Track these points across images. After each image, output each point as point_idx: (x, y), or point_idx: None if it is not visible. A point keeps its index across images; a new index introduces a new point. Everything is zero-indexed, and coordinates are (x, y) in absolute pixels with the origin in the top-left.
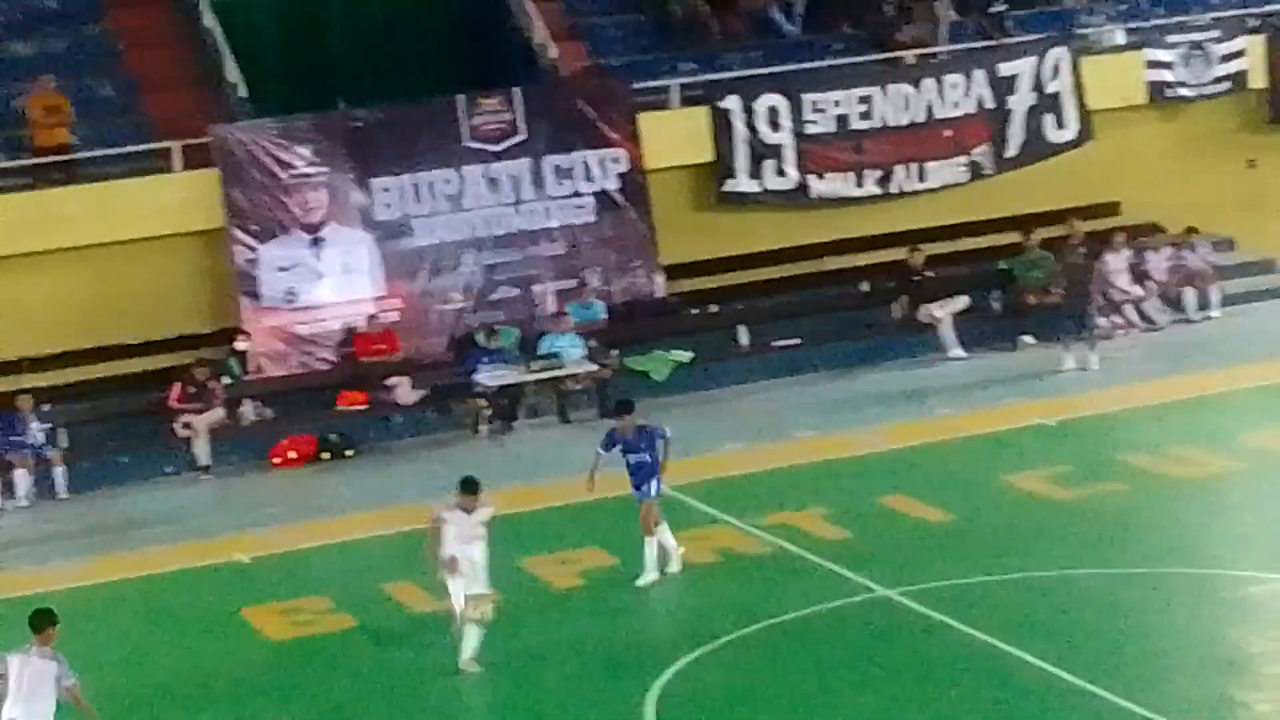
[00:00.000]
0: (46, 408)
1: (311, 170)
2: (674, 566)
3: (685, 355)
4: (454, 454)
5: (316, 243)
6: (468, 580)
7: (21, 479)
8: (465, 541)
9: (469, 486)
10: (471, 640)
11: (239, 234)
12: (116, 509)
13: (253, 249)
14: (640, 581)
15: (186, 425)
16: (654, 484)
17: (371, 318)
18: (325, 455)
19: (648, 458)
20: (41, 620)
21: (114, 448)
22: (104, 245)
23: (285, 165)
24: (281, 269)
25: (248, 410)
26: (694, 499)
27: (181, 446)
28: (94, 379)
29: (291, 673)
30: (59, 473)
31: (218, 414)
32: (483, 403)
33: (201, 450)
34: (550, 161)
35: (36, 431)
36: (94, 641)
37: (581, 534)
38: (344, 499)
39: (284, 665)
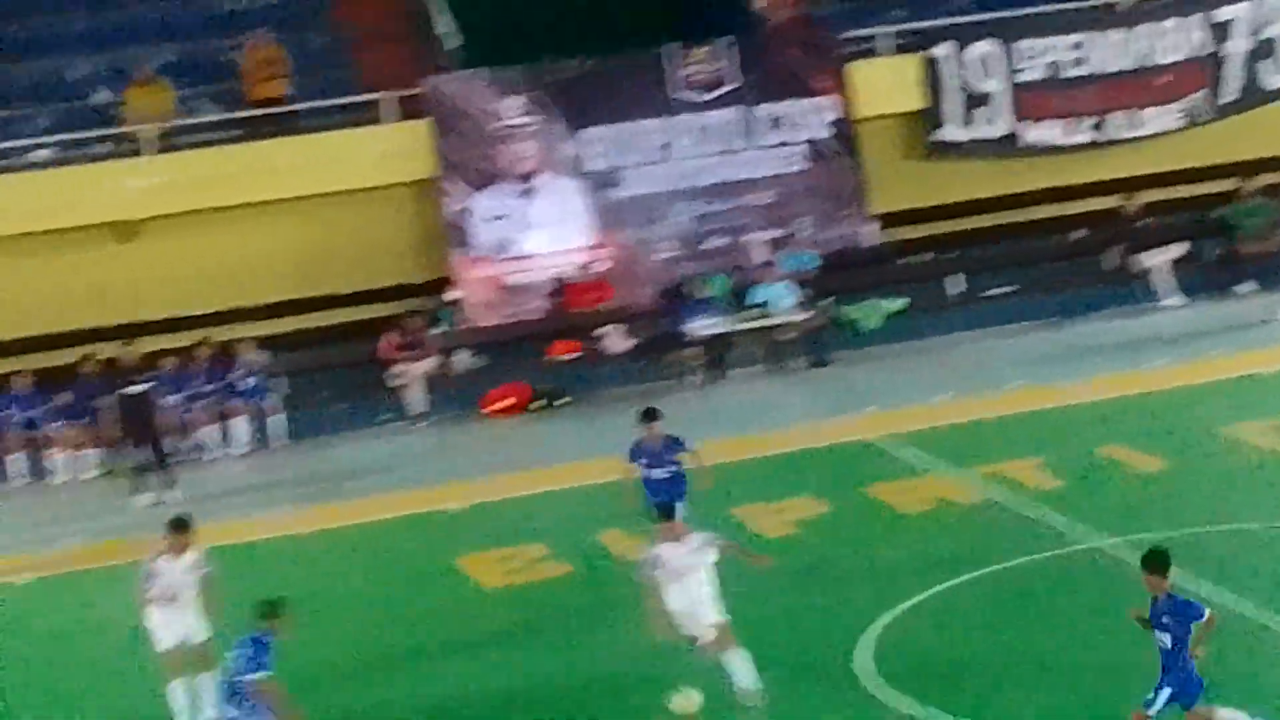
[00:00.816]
0: (264, 357)
1: (522, 121)
2: None
3: (897, 304)
4: (665, 403)
5: (528, 193)
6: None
7: (239, 427)
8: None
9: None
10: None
11: (451, 185)
12: (331, 458)
13: (464, 199)
14: None
15: (400, 375)
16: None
17: (582, 267)
18: (537, 404)
19: (677, 470)
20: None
21: (329, 397)
22: (318, 196)
23: (496, 116)
24: (493, 219)
25: (460, 359)
26: (907, 448)
27: (395, 396)
28: (310, 329)
29: (506, 620)
30: (275, 421)
31: (431, 363)
32: (693, 352)
33: (415, 399)
34: (760, 111)
35: (253, 381)
36: (309, 589)
37: (794, 483)
38: (556, 448)
39: (498, 613)
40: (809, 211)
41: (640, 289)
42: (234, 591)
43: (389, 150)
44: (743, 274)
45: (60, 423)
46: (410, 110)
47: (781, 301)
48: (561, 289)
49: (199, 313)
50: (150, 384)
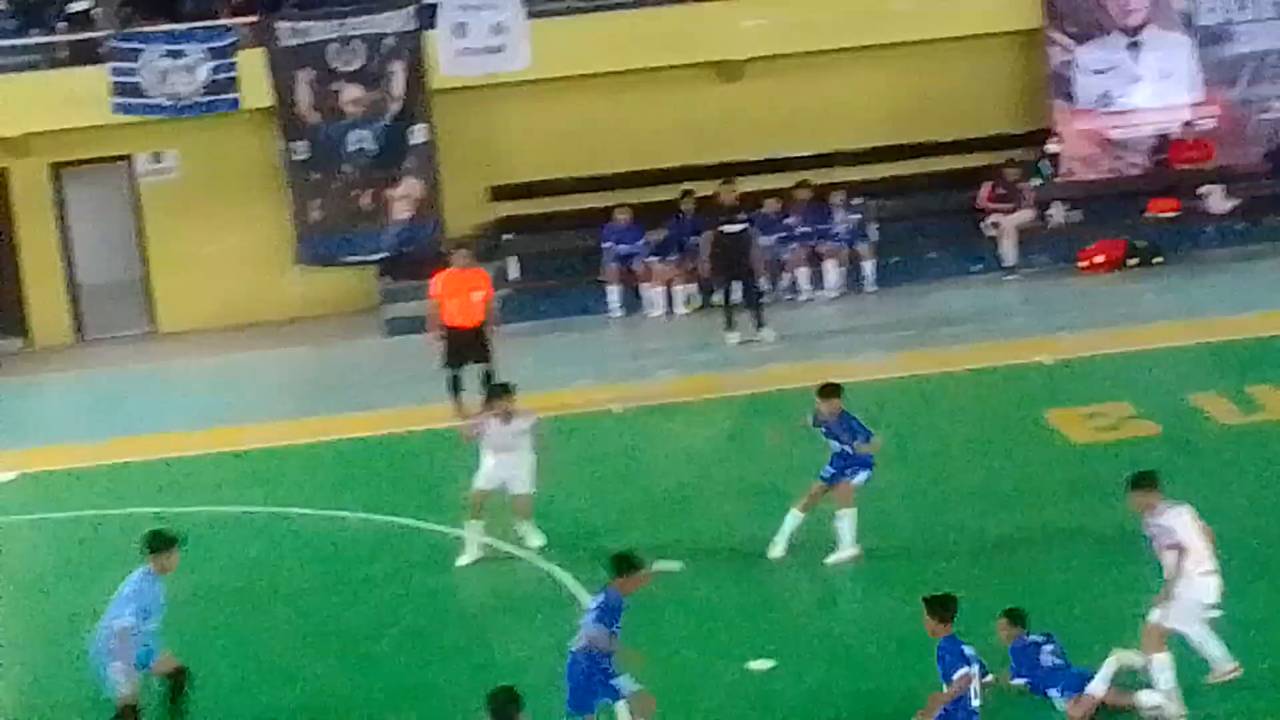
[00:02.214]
0: (858, 201)
1: None
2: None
3: None
4: (1266, 267)
5: (1134, 46)
6: None
7: (831, 270)
8: None
9: None
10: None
11: (1057, 35)
12: (922, 305)
13: (1070, 51)
14: None
15: (995, 225)
16: (861, 473)
17: (1187, 124)
18: (1133, 261)
19: (848, 448)
20: None
21: (922, 244)
22: (922, 43)
23: None
24: (1097, 72)
25: (1056, 213)
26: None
27: (989, 246)
28: (905, 175)
29: (1091, 475)
30: (868, 266)
31: (1027, 215)
32: None
33: (1009, 251)
34: None
35: (849, 225)
36: (898, 435)
37: None
38: (1150, 306)
39: (1085, 468)
40: None
41: (1246, 149)
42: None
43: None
44: None
45: (657, 258)
46: None
47: None
48: (1164, 146)
49: (798, 155)
50: (746, 224)
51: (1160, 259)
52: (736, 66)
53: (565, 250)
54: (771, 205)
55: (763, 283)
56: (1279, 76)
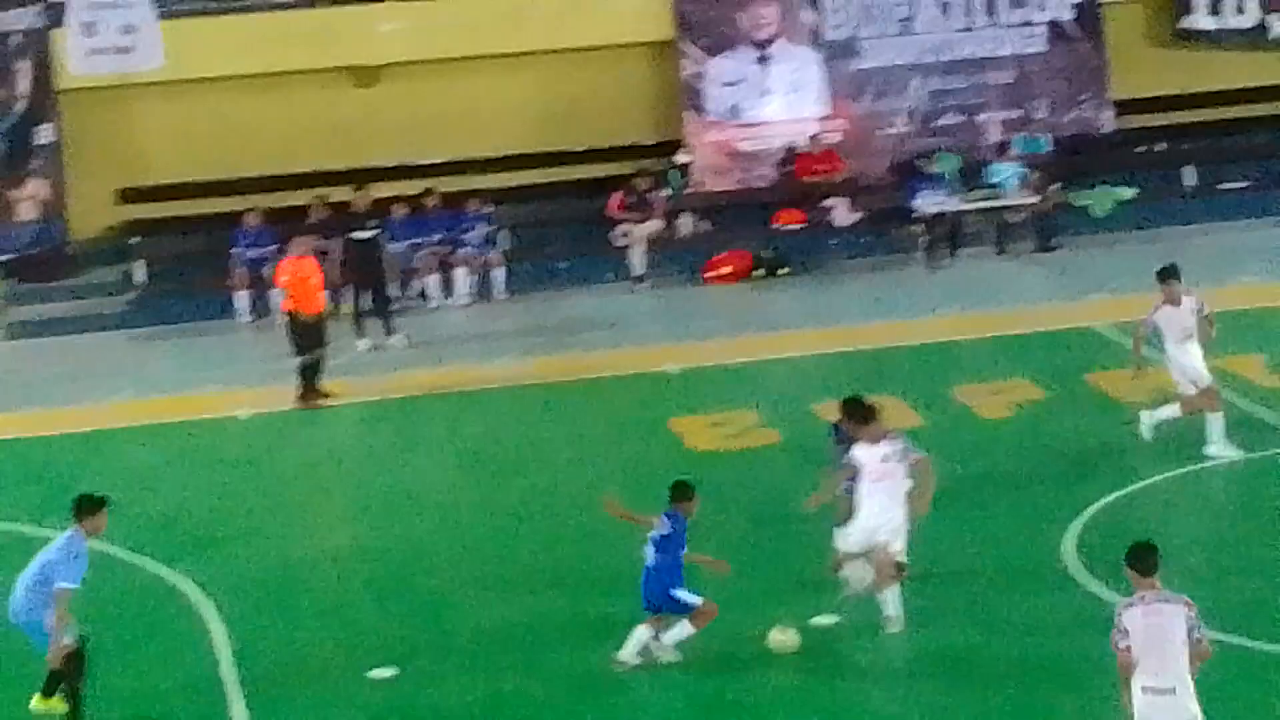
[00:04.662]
0: (490, 209)
1: None
2: None
3: (1129, 192)
4: (889, 278)
5: (764, 59)
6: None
7: (462, 277)
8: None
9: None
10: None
11: (688, 47)
12: (553, 312)
13: (701, 62)
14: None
15: (625, 234)
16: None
17: (814, 137)
18: (760, 272)
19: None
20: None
21: (554, 252)
22: (559, 52)
23: None
24: (728, 84)
25: (686, 223)
26: (1130, 337)
27: (619, 255)
28: (539, 183)
29: (715, 483)
30: (499, 273)
31: (656, 225)
32: (920, 229)
33: (638, 260)
34: None
35: (480, 232)
36: (527, 438)
37: (1015, 365)
38: (776, 316)
39: (708, 476)
40: (1046, 94)
41: (871, 162)
42: (455, 434)
43: (631, 9)
44: (975, 153)
45: None
46: None
47: (1012, 183)
48: (791, 158)
49: (430, 161)
50: (378, 230)
51: (787, 269)
52: (373, 71)
53: (196, 253)
54: (402, 211)
55: (393, 289)
56: (903, 91)
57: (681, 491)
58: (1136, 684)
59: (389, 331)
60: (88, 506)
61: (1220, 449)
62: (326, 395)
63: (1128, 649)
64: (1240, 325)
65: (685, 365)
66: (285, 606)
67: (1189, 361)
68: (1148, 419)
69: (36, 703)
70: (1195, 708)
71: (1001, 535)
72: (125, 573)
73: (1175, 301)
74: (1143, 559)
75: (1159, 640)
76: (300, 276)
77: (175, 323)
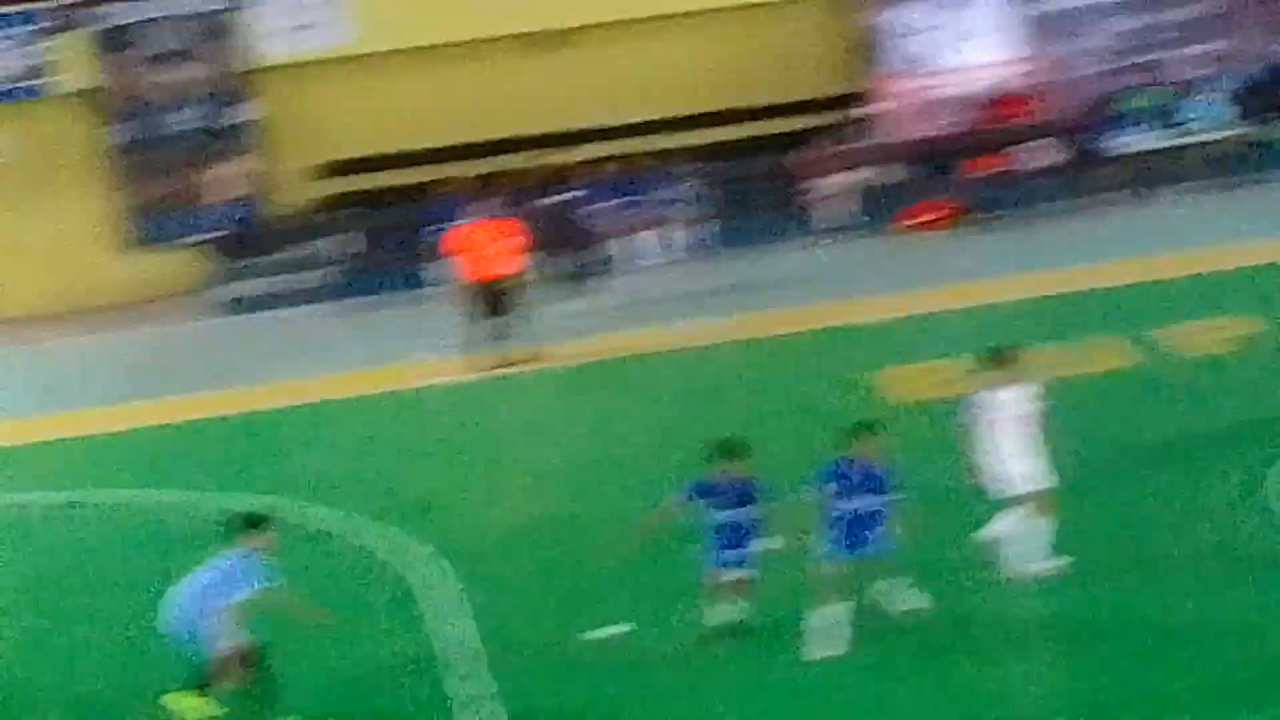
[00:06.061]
0: (692, 167)
1: None
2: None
3: None
4: (1088, 220)
5: (954, 4)
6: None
7: (660, 238)
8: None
9: None
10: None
11: None
12: (753, 269)
13: (888, 11)
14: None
15: (820, 188)
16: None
17: (1007, 81)
18: (957, 219)
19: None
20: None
21: (753, 208)
22: (745, 8)
23: None
24: (917, 31)
25: (879, 173)
26: None
27: (811, 209)
28: (731, 140)
29: (917, 434)
30: (696, 232)
31: (850, 177)
32: (1118, 169)
33: (833, 213)
34: None
35: (678, 191)
36: (730, 398)
37: (1222, 303)
38: (974, 263)
39: (910, 426)
40: (1243, 26)
41: (1066, 104)
42: (658, 395)
43: None
44: (1172, 89)
45: None
46: None
47: (1211, 118)
48: (985, 102)
49: (628, 122)
50: (579, 192)
51: (984, 215)
52: (562, 35)
53: (396, 225)
54: (599, 173)
55: (592, 252)
56: (1097, 29)
57: (731, 448)
58: None
59: (589, 294)
60: (250, 525)
61: None
62: (513, 363)
63: None
64: None
65: (885, 316)
66: (513, 571)
67: None
68: None
69: (178, 698)
70: None
71: (1203, 472)
72: (350, 541)
73: None
74: None
75: None
76: (478, 243)
77: (380, 293)
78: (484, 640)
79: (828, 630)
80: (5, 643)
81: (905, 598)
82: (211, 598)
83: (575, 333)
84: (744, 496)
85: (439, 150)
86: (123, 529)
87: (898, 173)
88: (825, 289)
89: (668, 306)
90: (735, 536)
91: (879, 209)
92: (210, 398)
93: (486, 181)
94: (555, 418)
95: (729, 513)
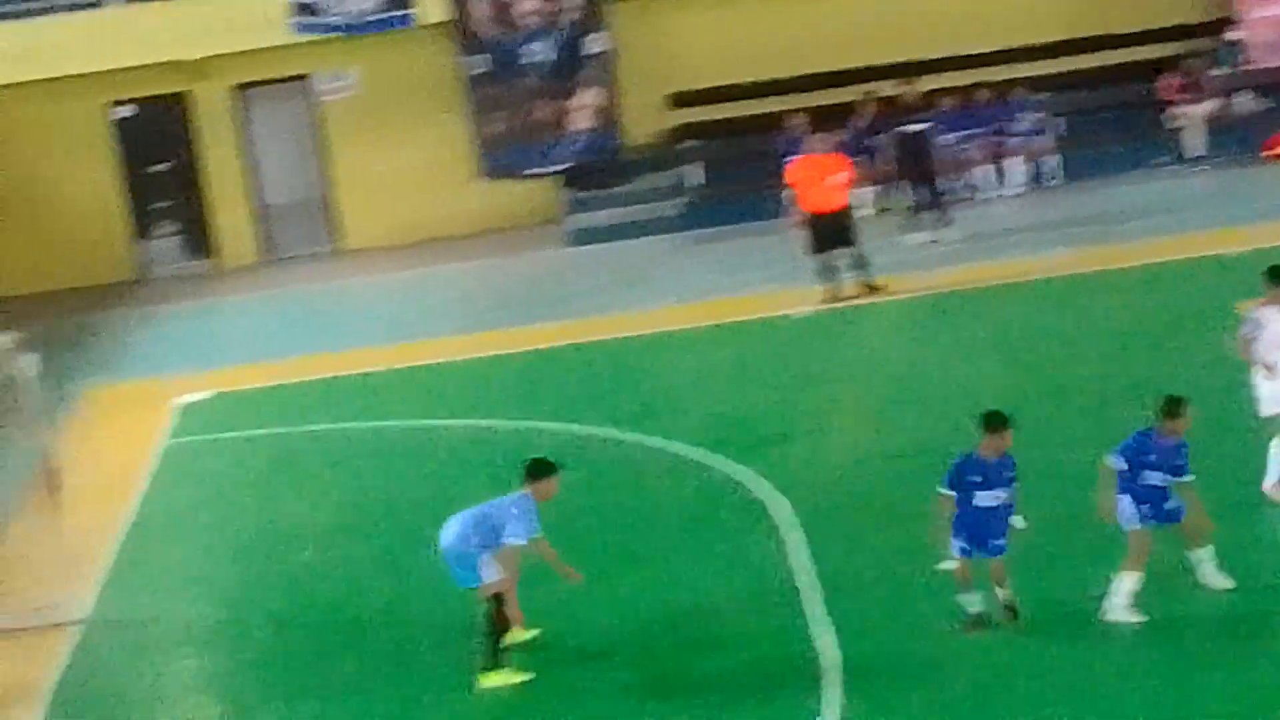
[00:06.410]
0: (1039, 97)
1: None
2: None
3: None
4: None
5: None
6: None
7: (1013, 167)
8: None
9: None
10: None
11: None
12: (1106, 199)
13: None
14: None
15: (1179, 116)
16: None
17: None
18: None
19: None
20: None
21: (1106, 138)
22: None
23: None
24: None
25: (1242, 101)
26: None
27: (1173, 138)
28: (1086, 69)
29: None
30: (1050, 162)
31: (1211, 105)
32: None
33: (1194, 142)
34: None
35: (1029, 121)
36: (1079, 330)
37: None
38: None
39: None
40: None
41: None
42: (1007, 326)
43: None
44: None
45: None
46: None
47: None
48: None
49: (977, 52)
50: (928, 123)
51: None
52: None
53: (746, 155)
54: (951, 103)
55: (944, 182)
56: None
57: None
58: None
59: (943, 225)
60: (541, 471)
61: None
62: (858, 294)
63: None
64: None
65: (1248, 248)
66: (855, 506)
67: None
68: None
69: (484, 680)
70: None
71: None
72: (697, 471)
73: None
74: None
75: None
76: (813, 175)
77: (727, 224)
78: (819, 576)
79: (1129, 597)
80: (360, 564)
81: (1209, 573)
82: (484, 534)
83: (930, 262)
84: (1010, 476)
85: (795, 79)
86: (481, 455)
87: (1262, 100)
88: (1187, 218)
89: (1023, 236)
90: (1003, 519)
91: (1242, 137)
92: (562, 327)
93: (841, 111)
94: (903, 348)
95: (999, 491)
